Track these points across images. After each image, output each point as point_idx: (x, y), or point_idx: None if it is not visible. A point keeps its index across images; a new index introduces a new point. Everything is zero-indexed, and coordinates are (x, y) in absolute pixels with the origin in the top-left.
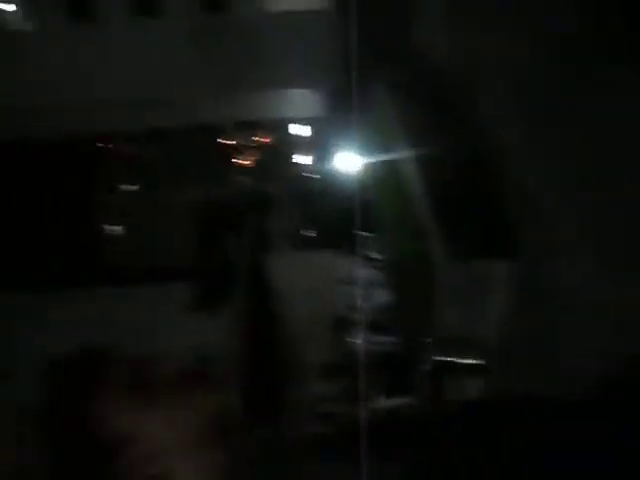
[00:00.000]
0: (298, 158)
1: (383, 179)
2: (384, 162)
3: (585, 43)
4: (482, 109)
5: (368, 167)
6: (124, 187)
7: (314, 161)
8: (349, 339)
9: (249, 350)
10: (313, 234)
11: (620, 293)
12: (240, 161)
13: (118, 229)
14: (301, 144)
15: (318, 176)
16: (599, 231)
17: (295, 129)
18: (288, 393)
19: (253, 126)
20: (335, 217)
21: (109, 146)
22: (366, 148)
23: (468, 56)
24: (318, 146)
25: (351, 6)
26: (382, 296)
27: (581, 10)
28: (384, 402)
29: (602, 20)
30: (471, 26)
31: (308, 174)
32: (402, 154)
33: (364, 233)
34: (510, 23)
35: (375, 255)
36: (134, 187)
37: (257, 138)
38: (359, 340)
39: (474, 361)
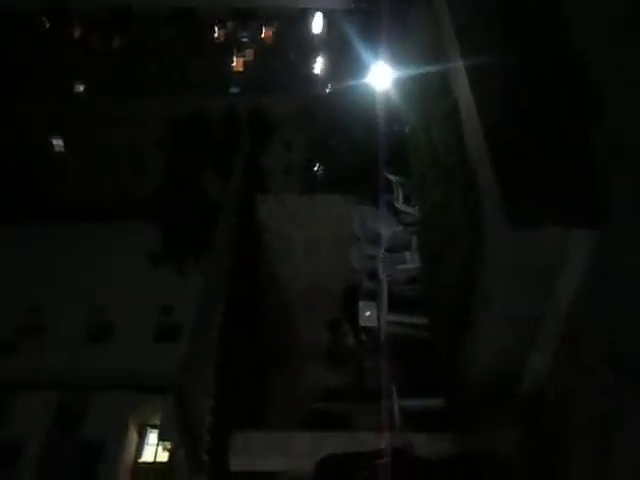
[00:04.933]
0: (309, 63)
1: (421, 99)
2: (423, 75)
3: None
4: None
5: (402, 82)
6: (81, 89)
7: (329, 69)
8: (362, 318)
9: (226, 326)
10: (322, 171)
11: None
12: (234, 63)
13: (62, 144)
14: (314, 44)
15: (334, 90)
16: None
17: (307, 23)
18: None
19: (252, 16)
20: (353, 150)
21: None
22: (400, 56)
23: None
24: (335, 48)
25: None
26: (410, 262)
27: None
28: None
29: None
30: None
31: (320, 87)
32: (450, 65)
33: (391, 175)
34: None
35: (404, 206)
36: (94, 92)
37: (257, 32)
38: (375, 320)
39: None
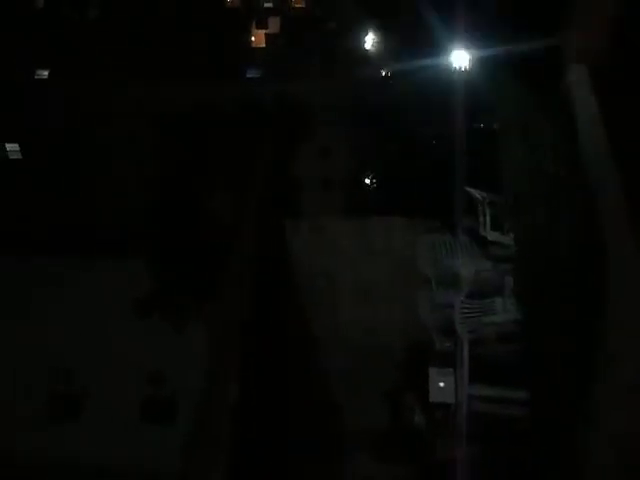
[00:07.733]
0: (356, 36)
1: (518, 88)
2: (515, 57)
3: None
4: None
5: (489, 64)
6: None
7: (385, 44)
8: (433, 391)
9: (242, 401)
10: (376, 185)
11: None
12: (253, 37)
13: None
14: (363, 9)
15: (392, 73)
16: None
17: None
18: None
19: None
20: (420, 156)
21: None
22: (485, 31)
23: None
24: (394, 15)
25: None
26: (503, 312)
27: None
28: None
29: None
30: None
31: (373, 68)
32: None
33: (475, 191)
34: None
35: (493, 234)
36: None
37: None
38: (451, 394)
39: None
